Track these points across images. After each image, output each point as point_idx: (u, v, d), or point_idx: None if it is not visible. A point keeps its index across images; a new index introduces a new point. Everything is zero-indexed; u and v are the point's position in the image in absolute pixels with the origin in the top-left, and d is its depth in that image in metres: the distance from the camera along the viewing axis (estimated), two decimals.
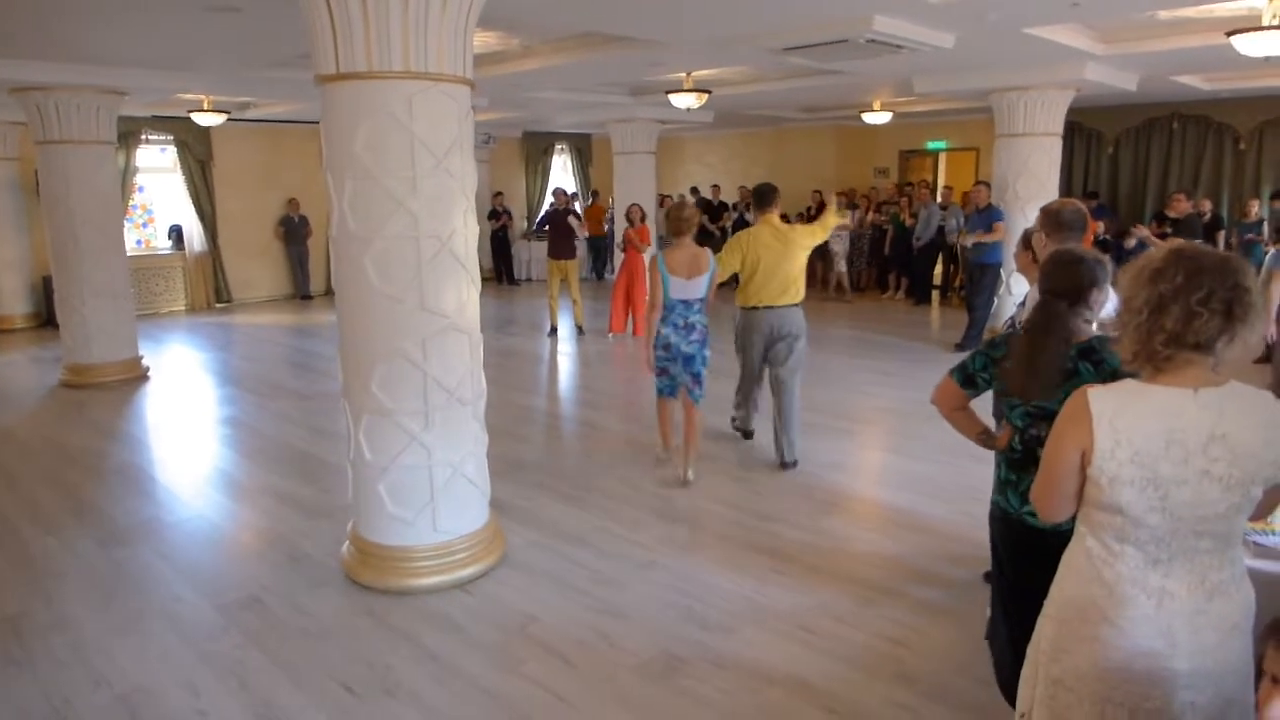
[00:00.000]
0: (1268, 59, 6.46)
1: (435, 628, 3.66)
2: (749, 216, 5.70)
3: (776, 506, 4.95)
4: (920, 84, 9.07)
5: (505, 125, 14.81)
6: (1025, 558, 2.46)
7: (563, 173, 17.54)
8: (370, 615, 3.78)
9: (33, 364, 9.49)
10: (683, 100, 9.07)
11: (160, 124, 12.32)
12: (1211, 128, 11.82)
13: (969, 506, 4.72)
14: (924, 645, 3.47)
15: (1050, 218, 3.26)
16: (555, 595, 3.95)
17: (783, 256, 5.52)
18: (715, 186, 15.96)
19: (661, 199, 14.09)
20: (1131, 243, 9.66)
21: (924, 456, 5.72)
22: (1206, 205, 10.97)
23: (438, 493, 3.99)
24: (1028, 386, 2.35)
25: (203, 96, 10.00)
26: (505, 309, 13.08)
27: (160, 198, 13.38)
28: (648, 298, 5.42)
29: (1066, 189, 11.44)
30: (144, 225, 13.41)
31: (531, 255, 16.33)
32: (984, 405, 2.83)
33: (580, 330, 10.62)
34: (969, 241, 9.64)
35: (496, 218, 15.55)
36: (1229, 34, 5.77)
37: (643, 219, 10.34)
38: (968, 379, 2.61)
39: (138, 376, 8.56)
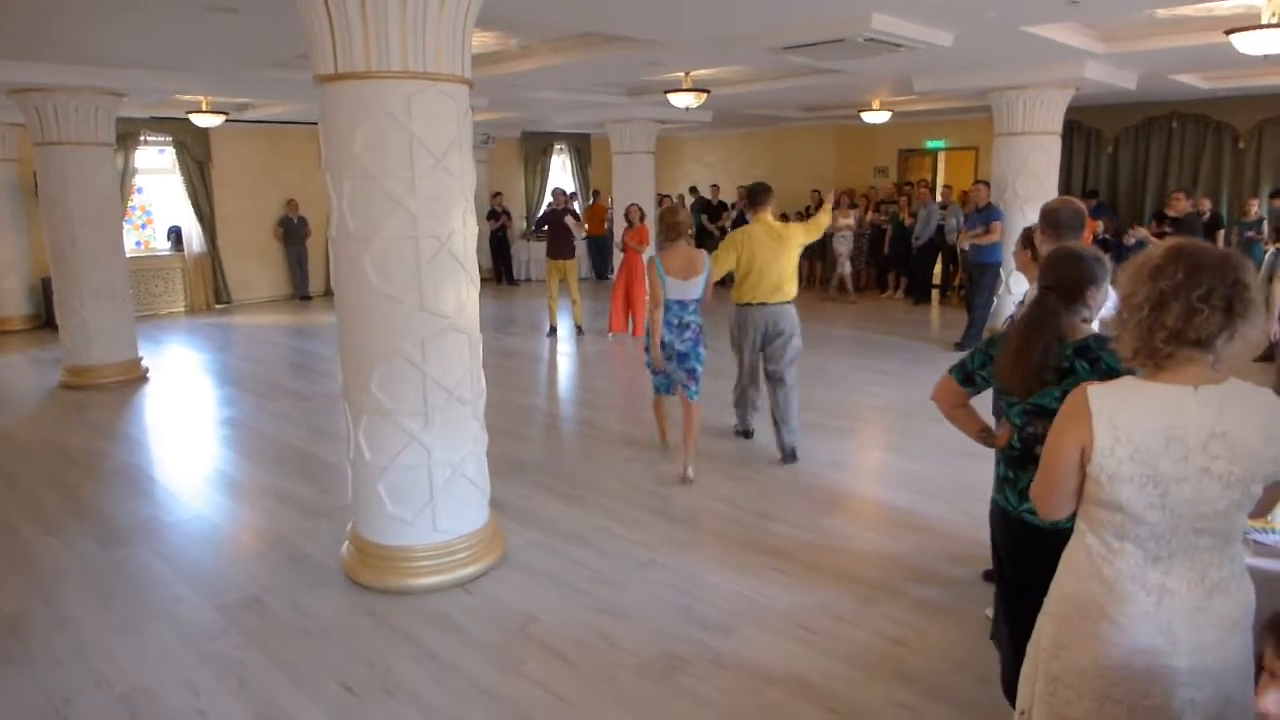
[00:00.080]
0: (1267, 57, 6.46)
1: (435, 627, 3.66)
2: (749, 216, 5.74)
3: (776, 505, 4.95)
4: (919, 83, 9.07)
5: (504, 125, 14.81)
6: (1024, 556, 2.46)
7: (561, 173, 17.54)
8: (370, 615, 3.78)
9: (32, 365, 9.48)
10: (681, 100, 9.06)
11: (159, 125, 12.32)
12: (1211, 126, 11.82)
13: (968, 505, 4.73)
14: (924, 644, 3.46)
15: (1048, 217, 3.27)
16: (555, 595, 3.94)
17: (777, 254, 5.59)
18: (714, 186, 15.96)
19: (660, 199, 14.09)
20: (1132, 240, 9.66)
21: (923, 456, 5.72)
22: (1206, 204, 10.96)
23: (437, 492, 3.99)
24: (1013, 379, 2.36)
25: (201, 97, 10.01)
26: (504, 309, 13.08)
27: (159, 199, 13.38)
28: (648, 297, 5.45)
29: (1066, 188, 11.44)
30: (143, 226, 13.41)
31: (531, 255, 16.33)
32: (985, 405, 2.83)
33: (579, 330, 10.62)
34: (966, 244, 9.64)
35: (495, 218, 15.55)
36: (1228, 32, 5.78)
37: (642, 219, 10.34)
38: (967, 377, 2.62)
39: (137, 378, 8.55)
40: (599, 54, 7.56)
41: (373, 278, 3.80)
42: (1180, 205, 10.05)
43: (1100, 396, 1.73)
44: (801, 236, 5.80)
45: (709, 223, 14.78)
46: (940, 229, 12.21)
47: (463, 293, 3.98)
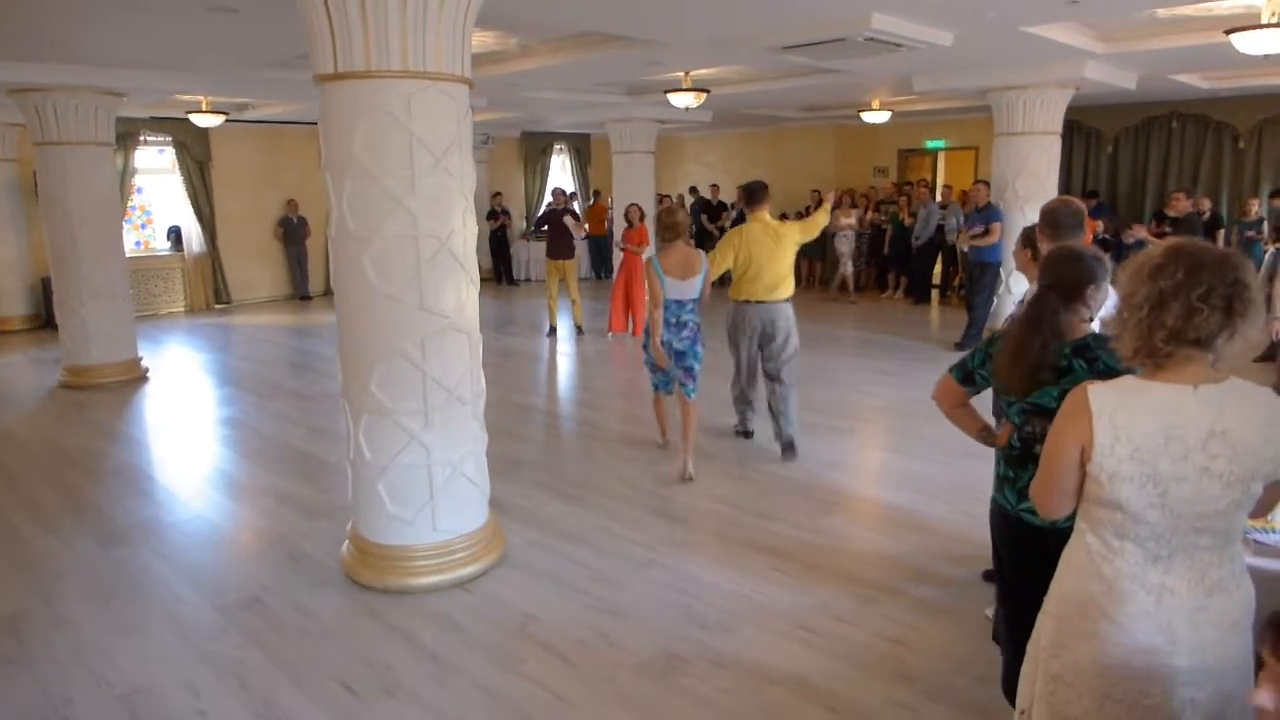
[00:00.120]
0: (1267, 57, 6.46)
1: (435, 627, 3.66)
2: (746, 214, 5.77)
3: (776, 505, 4.95)
4: (919, 83, 9.07)
5: (504, 125, 14.81)
6: (1024, 555, 2.46)
7: (561, 173, 17.54)
8: (370, 615, 3.78)
9: (32, 365, 9.48)
10: (681, 99, 9.06)
11: (159, 125, 12.32)
12: (1211, 126, 11.82)
13: (968, 505, 4.72)
14: (924, 644, 3.46)
15: (1047, 217, 3.27)
16: (555, 594, 3.94)
17: (774, 253, 5.64)
18: (714, 186, 15.96)
19: (660, 199, 14.09)
20: (1132, 239, 9.65)
21: (924, 456, 5.72)
22: (1206, 204, 10.96)
23: (437, 492, 3.99)
24: (1011, 377, 2.36)
25: (201, 97, 10.01)
26: (504, 309, 13.08)
27: (159, 199, 13.37)
28: (647, 297, 5.49)
29: (1066, 188, 11.44)
30: (143, 226, 13.40)
31: (530, 255, 16.33)
32: (986, 405, 2.83)
33: (579, 330, 10.62)
34: (964, 246, 9.63)
35: (495, 218, 15.54)
36: (1228, 32, 5.78)
37: (641, 219, 10.34)
38: (967, 376, 2.62)
39: (137, 377, 8.55)
40: (599, 54, 7.56)
41: (372, 277, 3.80)
42: (1180, 205, 10.05)
43: (1100, 395, 1.73)
44: (798, 235, 5.86)
45: (709, 223, 14.79)
46: (940, 229, 12.21)
47: (462, 292, 3.98)
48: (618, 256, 10.91)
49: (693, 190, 16.46)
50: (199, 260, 13.33)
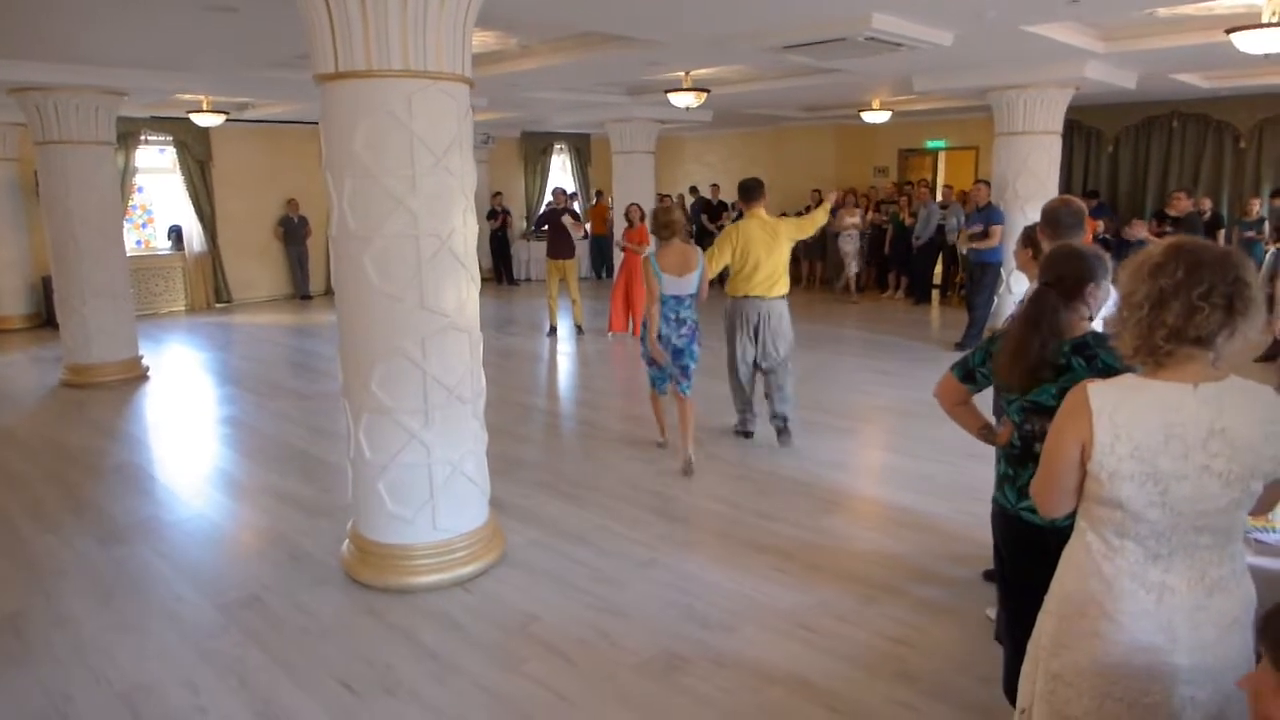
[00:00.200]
0: (1267, 56, 6.45)
1: (435, 626, 3.66)
2: (743, 211, 5.81)
3: (777, 505, 4.94)
4: (919, 82, 9.06)
5: (504, 125, 14.81)
6: (1024, 554, 2.46)
7: (562, 172, 17.54)
8: (370, 614, 3.78)
9: (33, 364, 9.49)
10: (682, 99, 9.06)
11: (159, 124, 12.33)
12: (1211, 126, 11.81)
13: (969, 505, 4.72)
14: (925, 644, 3.46)
15: (1048, 217, 3.28)
16: (555, 594, 3.94)
17: (771, 249, 5.74)
18: (714, 186, 15.95)
19: (660, 198, 14.09)
20: (1134, 236, 9.64)
21: (924, 455, 5.72)
22: (1207, 203, 10.96)
23: (437, 491, 3.99)
24: (1011, 375, 2.36)
25: (202, 97, 10.01)
26: (505, 309, 13.08)
27: (160, 198, 13.38)
28: (646, 294, 5.54)
29: (1066, 187, 11.43)
30: (143, 226, 13.41)
31: (531, 255, 16.33)
32: (987, 405, 2.83)
33: (579, 330, 10.62)
34: (964, 248, 9.63)
35: (496, 217, 15.55)
36: (1228, 31, 5.78)
37: (642, 219, 10.34)
38: (968, 374, 2.63)
39: (138, 376, 8.56)
40: (599, 53, 7.55)
41: (373, 276, 3.80)
42: (1181, 205, 10.06)
43: (1100, 394, 1.73)
44: (794, 232, 5.99)
45: (709, 222, 14.78)
46: (940, 229, 12.21)
47: (463, 291, 3.98)
48: (618, 256, 10.91)
49: (693, 190, 16.46)
50: (200, 259, 13.34)
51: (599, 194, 16.63)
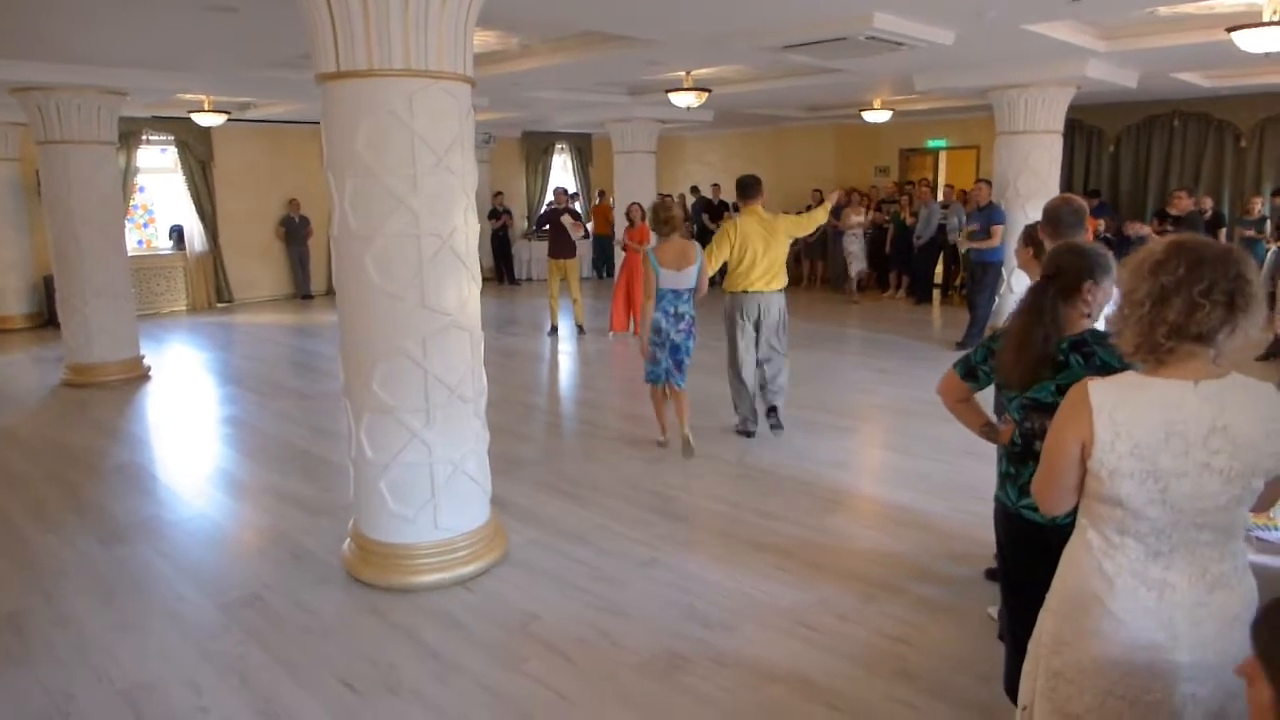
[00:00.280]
0: (1268, 55, 6.45)
1: (437, 625, 3.66)
2: (740, 208, 5.88)
3: (777, 504, 4.95)
4: (920, 82, 9.06)
5: (505, 125, 14.81)
6: (1025, 552, 2.47)
7: (563, 172, 17.54)
8: (372, 613, 3.78)
9: (34, 363, 9.50)
10: (682, 99, 9.06)
11: (161, 124, 12.33)
12: (1212, 125, 11.81)
13: (970, 504, 4.72)
14: (925, 642, 3.46)
15: (1049, 215, 3.28)
16: (556, 593, 3.95)
17: (769, 244, 5.85)
18: (715, 185, 15.95)
19: (661, 198, 14.09)
20: (1134, 232, 9.63)
21: (924, 454, 5.72)
22: (1208, 203, 10.95)
23: (439, 490, 3.99)
24: (1014, 370, 2.37)
25: (203, 97, 10.02)
26: (506, 308, 13.08)
27: (161, 198, 13.39)
28: (643, 288, 5.75)
29: (1067, 186, 11.41)
30: (145, 225, 13.43)
31: (532, 255, 16.34)
32: (989, 405, 2.83)
33: (580, 329, 10.62)
34: (964, 248, 9.62)
35: (497, 217, 15.55)
36: (1229, 30, 5.77)
37: (643, 218, 10.34)
38: (970, 371, 2.64)
39: (139, 376, 8.56)
40: (600, 53, 7.56)
41: (374, 276, 3.80)
42: (1182, 204, 10.04)
43: (1101, 391, 1.73)
44: (792, 229, 6.11)
45: (710, 222, 14.78)
46: (942, 228, 12.20)
47: (464, 290, 3.98)
48: (619, 256, 10.91)
49: (694, 190, 16.46)
50: (201, 259, 13.35)
51: (601, 194, 16.63)
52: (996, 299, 9.22)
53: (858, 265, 13.17)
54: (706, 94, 9.11)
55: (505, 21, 6.62)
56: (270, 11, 5.49)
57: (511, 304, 13.64)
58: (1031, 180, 8.94)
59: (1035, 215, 3.69)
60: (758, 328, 5.95)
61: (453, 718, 3.04)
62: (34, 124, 7.98)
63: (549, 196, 14.96)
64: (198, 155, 12.98)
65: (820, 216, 6.39)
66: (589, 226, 14.60)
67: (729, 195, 15.66)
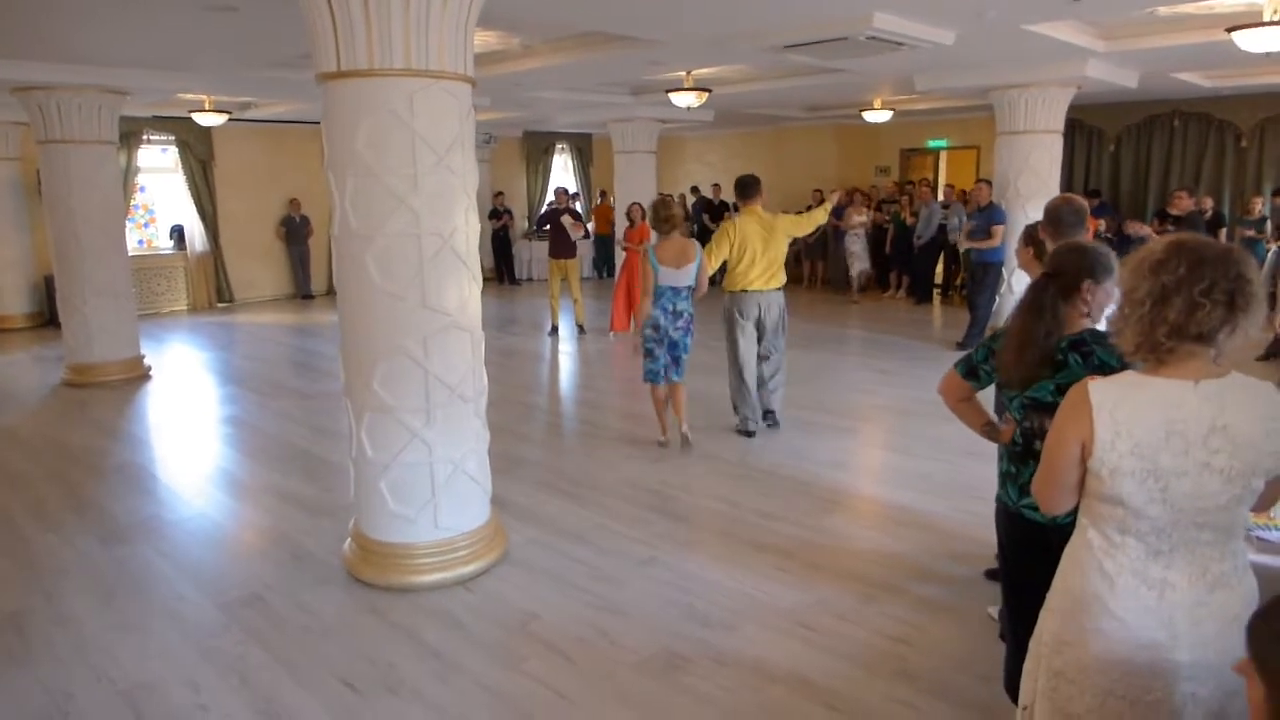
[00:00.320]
0: (1268, 55, 6.45)
1: (437, 625, 3.67)
2: (740, 207, 5.93)
3: (777, 504, 4.95)
4: (921, 82, 9.06)
5: (506, 125, 14.81)
6: (1026, 551, 2.47)
7: (564, 172, 17.54)
8: (372, 612, 3.78)
9: (35, 363, 9.50)
10: (683, 99, 9.06)
11: (162, 124, 12.34)
12: (1213, 125, 11.80)
13: (970, 504, 4.72)
14: (925, 642, 3.46)
15: (1049, 215, 3.28)
16: (556, 592, 3.95)
17: (768, 244, 5.90)
18: (716, 185, 15.95)
19: (662, 196, 14.08)
20: (1134, 232, 9.62)
21: (924, 454, 5.72)
22: (1208, 203, 10.94)
23: (439, 490, 3.99)
24: (1017, 366, 2.37)
25: (204, 97, 10.02)
26: (506, 308, 13.08)
27: (162, 198, 13.40)
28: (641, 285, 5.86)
29: (1068, 186, 11.41)
30: (145, 225, 13.43)
31: (532, 255, 16.34)
32: (991, 405, 2.83)
33: (581, 329, 10.62)
34: (964, 247, 9.62)
35: (498, 217, 15.55)
36: (1230, 30, 5.77)
37: (643, 218, 10.34)
38: (971, 371, 2.65)
39: (139, 376, 8.56)
40: (600, 53, 7.56)
41: (375, 275, 3.81)
42: (1182, 204, 10.04)
43: (1101, 391, 1.73)
44: (791, 228, 6.16)
45: (710, 222, 14.78)
46: (942, 228, 12.20)
47: (465, 290, 3.98)
48: (620, 256, 10.91)
49: (694, 190, 16.46)
50: (201, 259, 13.35)
51: (603, 194, 16.63)
52: (997, 299, 9.21)
53: (860, 265, 13.16)
54: (707, 94, 9.11)
55: (506, 22, 6.62)
56: (270, 11, 5.50)
57: (512, 304, 13.64)
58: (1032, 180, 8.94)
59: (1036, 215, 3.70)
60: (759, 326, 6.01)
61: (453, 717, 3.04)
62: (35, 123, 7.99)
63: (549, 196, 14.96)
64: (198, 155, 12.98)
65: (820, 217, 6.44)
66: (590, 227, 14.60)
67: (729, 195, 15.68)
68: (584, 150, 17.58)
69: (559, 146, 17.26)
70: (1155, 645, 1.73)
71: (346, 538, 4.30)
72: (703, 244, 5.94)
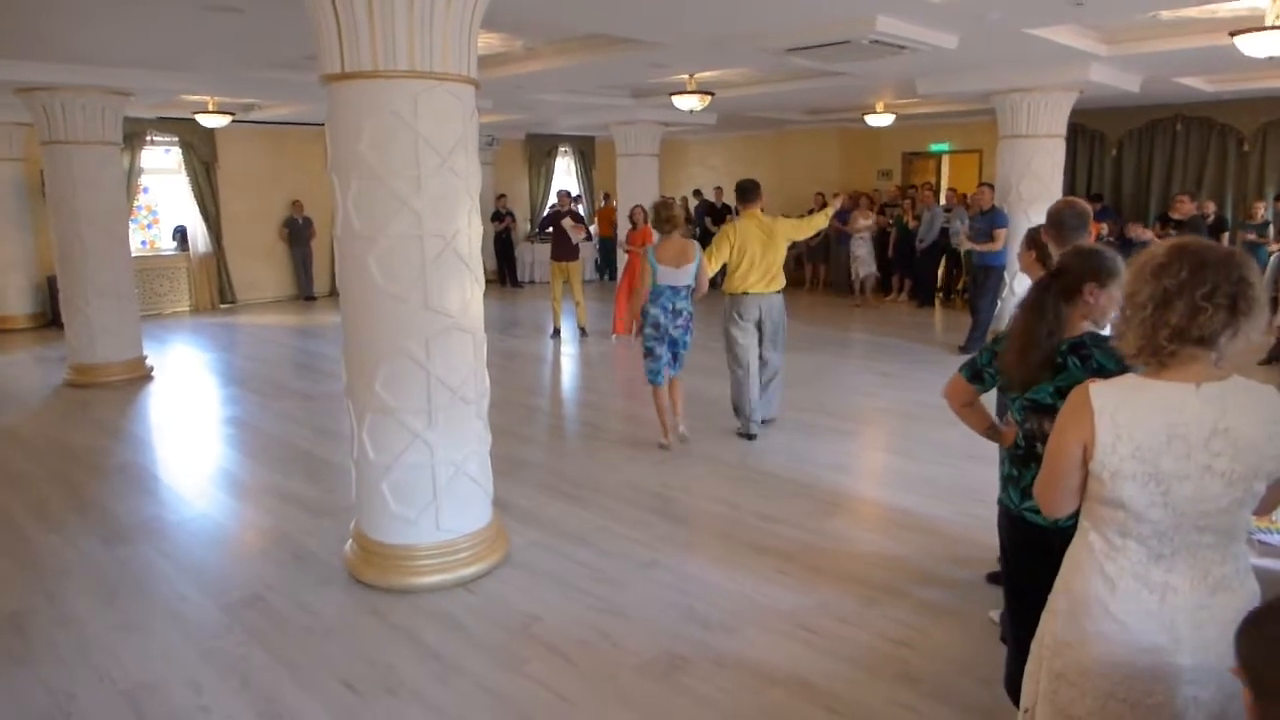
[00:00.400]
0: (1271, 59, 6.45)
1: (438, 626, 3.67)
2: (740, 211, 5.98)
3: (778, 507, 4.94)
4: (923, 85, 9.07)
5: (508, 127, 14.83)
6: (1027, 554, 2.47)
7: (566, 175, 17.56)
8: (373, 614, 3.78)
9: (37, 363, 9.51)
10: (686, 102, 9.08)
11: (165, 125, 12.36)
12: (1215, 129, 11.80)
13: (971, 507, 4.72)
14: (927, 646, 3.46)
15: (1052, 218, 3.28)
16: (557, 595, 3.95)
17: (767, 247, 5.94)
18: (718, 189, 15.95)
19: (663, 198, 14.08)
20: (1136, 235, 9.62)
21: (926, 458, 5.72)
22: (1210, 207, 10.94)
23: (441, 491, 4.00)
24: (1019, 367, 2.38)
25: (207, 98, 10.04)
26: (509, 311, 13.09)
27: (165, 199, 13.42)
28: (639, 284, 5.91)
29: (1070, 190, 11.41)
30: (149, 226, 13.45)
31: (535, 257, 16.35)
32: (992, 406, 2.83)
33: (583, 332, 10.62)
34: (964, 248, 9.61)
35: (500, 220, 15.56)
36: (1232, 34, 5.78)
37: (645, 220, 10.34)
38: (975, 374, 2.66)
39: (142, 376, 8.57)
40: (604, 56, 7.57)
41: (377, 277, 3.81)
42: (1184, 208, 10.04)
43: (1102, 394, 1.73)
44: (791, 232, 6.21)
45: (712, 225, 14.78)
46: (944, 232, 12.21)
47: (467, 292, 3.99)
48: (622, 258, 10.92)
49: (696, 193, 16.47)
50: (204, 260, 13.37)
51: (606, 197, 16.64)
52: (999, 303, 9.21)
53: (865, 269, 13.15)
54: (710, 97, 9.12)
55: (510, 24, 6.63)
56: (272, 12, 5.51)
57: (514, 306, 13.65)
58: (1034, 184, 8.94)
59: (1038, 219, 3.70)
60: (760, 328, 6.05)
61: (453, 719, 3.04)
62: (38, 124, 8.01)
63: (552, 199, 14.97)
64: (202, 156, 13.01)
65: (820, 221, 6.47)
66: (592, 229, 14.61)
67: (731, 198, 15.70)
68: (586, 153, 17.60)
69: (562, 149, 17.27)
70: (1157, 648, 1.73)
71: (348, 539, 4.30)
72: (703, 245, 5.98)
